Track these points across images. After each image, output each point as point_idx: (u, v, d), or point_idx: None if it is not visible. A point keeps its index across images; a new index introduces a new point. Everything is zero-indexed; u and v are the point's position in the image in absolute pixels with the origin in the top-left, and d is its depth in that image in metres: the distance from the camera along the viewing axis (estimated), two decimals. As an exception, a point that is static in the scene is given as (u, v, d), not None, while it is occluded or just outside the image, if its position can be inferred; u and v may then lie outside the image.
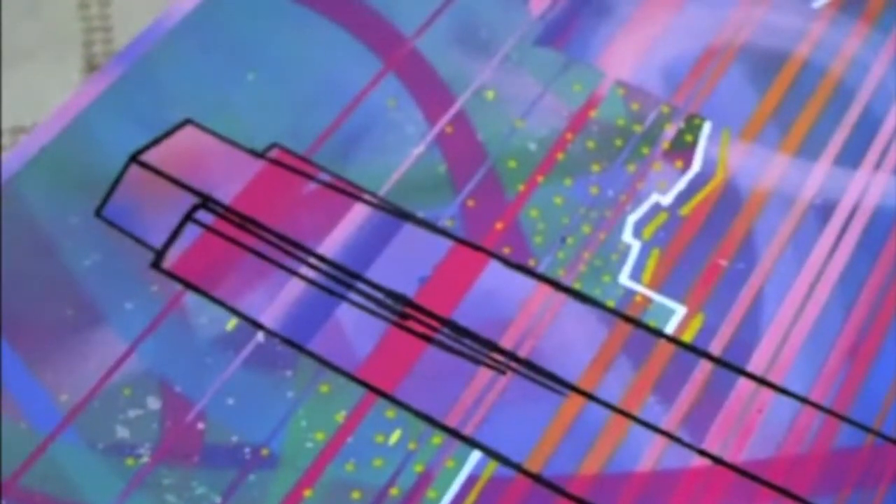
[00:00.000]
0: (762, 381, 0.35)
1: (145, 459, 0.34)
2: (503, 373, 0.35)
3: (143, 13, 0.43)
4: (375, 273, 0.37)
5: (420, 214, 0.38)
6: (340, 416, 0.34)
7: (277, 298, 0.36)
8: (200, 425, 0.34)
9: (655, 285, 0.37)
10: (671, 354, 0.36)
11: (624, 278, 0.37)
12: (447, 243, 0.37)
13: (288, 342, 0.35)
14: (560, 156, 0.39)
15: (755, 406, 0.35)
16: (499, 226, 0.38)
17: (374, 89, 0.41)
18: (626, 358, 0.36)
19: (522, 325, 0.36)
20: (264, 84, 0.41)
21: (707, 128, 0.40)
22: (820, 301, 0.37)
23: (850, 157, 0.40)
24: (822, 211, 0.39)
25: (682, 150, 0.40)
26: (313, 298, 0.36)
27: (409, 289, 0.36)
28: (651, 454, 0.34)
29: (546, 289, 0.37)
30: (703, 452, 0.34)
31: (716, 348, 0.36)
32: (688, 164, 0.39)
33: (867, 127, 0.40)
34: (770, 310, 0.37)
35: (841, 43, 0.42)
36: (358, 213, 0.38)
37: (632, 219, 0.38)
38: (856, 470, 0.34)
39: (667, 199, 0.39)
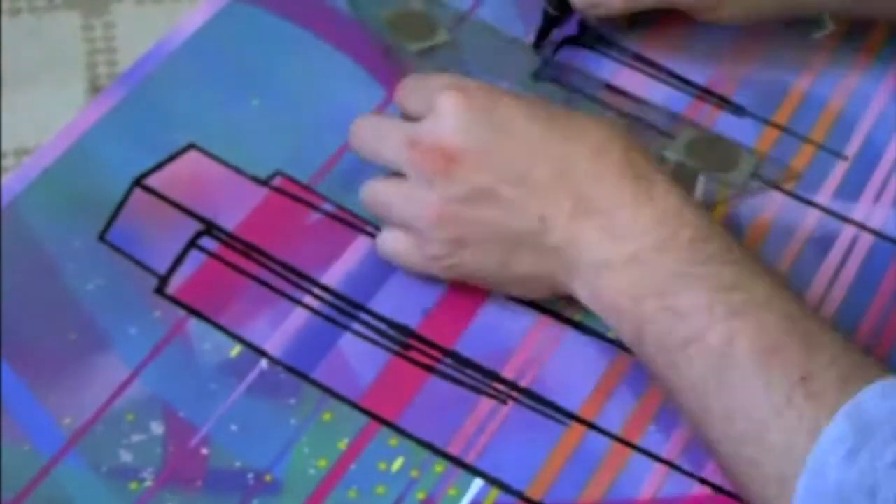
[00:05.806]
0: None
1: (149, 483, 0.34)
2: (505, 402, 0.35)
3: (147, 35, 0.43)
4: (379, 304, 0.37)
5: (423, 243, 0.38)
6: (343, 444, 0.35)
7: (281, 327, 0.36)
8: (204, 450, 0.34)
9: (656, 315, 0.37)
10: (671, 384, 0.36)
11: (625, 308, 0.37)
12: (450, 272, 0.38)
13: (292, 370, 0.36)
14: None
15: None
16: (501, 254, 0.38)
17: (378, 116, 0.41)
18: (627, 388, 0.36)
19: (524, 355, 0.36)
20: (269, 110, 0.41)
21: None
22: (819, 332, 0.37)
23: (850, 189, 0.40)
24: (822, 243, 0.39)
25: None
26: (317, 328, 0.36)
27: (412, 320, 0.37)
28: (652, 482, 0.34)
29: (548, 320, 0.37)
30: (703, 481, 0.34)
31: (716, 378, 0.36)
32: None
33: (867, 159, 0.40)
34: (770, 340, 0.37)
35: (841, 75, 0.42)
36: (361, 245, 0.38)
37: (633, 248, 0.38)
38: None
39: (668, 230, 0.39)
